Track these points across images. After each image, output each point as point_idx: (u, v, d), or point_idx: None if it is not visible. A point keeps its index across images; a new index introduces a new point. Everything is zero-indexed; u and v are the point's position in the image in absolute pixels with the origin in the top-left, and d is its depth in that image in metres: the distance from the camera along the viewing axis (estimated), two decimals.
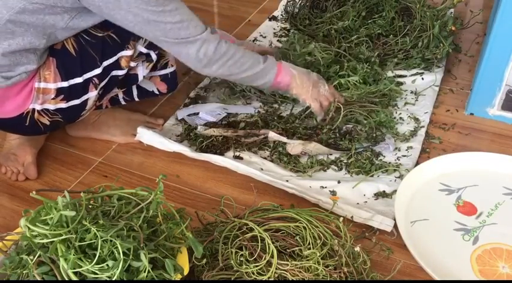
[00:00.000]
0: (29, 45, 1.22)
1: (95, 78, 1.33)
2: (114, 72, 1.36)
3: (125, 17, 1.22)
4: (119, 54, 1.35)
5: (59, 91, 1.30)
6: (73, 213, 0.87)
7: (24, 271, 0.90)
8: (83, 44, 1.30)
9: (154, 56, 1.42)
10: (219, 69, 1.35)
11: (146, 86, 1.52)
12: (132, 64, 1.39)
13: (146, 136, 1.51)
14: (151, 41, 1.32)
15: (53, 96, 1.30)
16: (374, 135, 1.49)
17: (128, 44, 1.34)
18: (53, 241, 0.87)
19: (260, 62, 1.42)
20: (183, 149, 1.46)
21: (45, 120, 1.33)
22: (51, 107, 1.31)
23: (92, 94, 1.34)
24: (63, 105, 1.32)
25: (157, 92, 1.53)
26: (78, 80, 1.31)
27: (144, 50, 1.39)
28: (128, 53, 1.35)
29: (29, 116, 1.30)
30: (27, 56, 1.24)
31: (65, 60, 1.30)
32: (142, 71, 1.43)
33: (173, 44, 1.29)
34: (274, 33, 2.04)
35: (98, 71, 1.32)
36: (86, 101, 1.35)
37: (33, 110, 1.30)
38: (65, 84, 1.30)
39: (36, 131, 1.36)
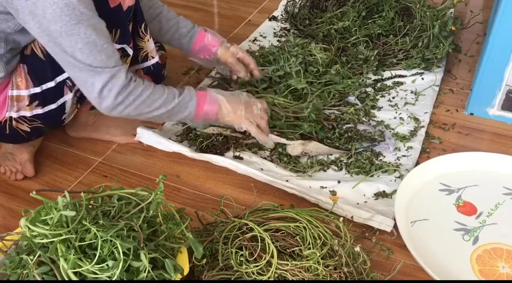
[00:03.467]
0: None
1: (68, 81, 1.30)
2: None
3: (40, 24, 1.12)
4: None
5: (33, 97, 1.28)
6: (73, 213, 0.88)
7: (24, 271, 0.90)
8: None
9: (129, 50, 1.36)
10: (125, 109, 1.25)
11: None
12: None
13: (146, 136, 1.51)
14: (59, 62, 1.20)
15: (27, 102, 1.28)
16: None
17: None
18: (53, 241, 0.87)
19: (175, 97, 1.31)
20: (183, 149, 1.46)
21: (25, 127, 1.32)
22: (27, 113, 1.30)
23: (68, 97, 1.32)
24: (40, 110, 1.31)
25: None
26: (51, 84, 1.29)
27: (117, 46, 1.33)
28: None
29: (7, 125, 1.30)
30: None
31: (35, 65, 1.27)
32: None
33: (78, 69, 1.18)
34: (274, 33, 2.04)
35: None
36: (64, 104, 1.33)
37: (11, 118, 1.29)
38: (37, 89, 1.28)
39: (19, 138, 1.35)
